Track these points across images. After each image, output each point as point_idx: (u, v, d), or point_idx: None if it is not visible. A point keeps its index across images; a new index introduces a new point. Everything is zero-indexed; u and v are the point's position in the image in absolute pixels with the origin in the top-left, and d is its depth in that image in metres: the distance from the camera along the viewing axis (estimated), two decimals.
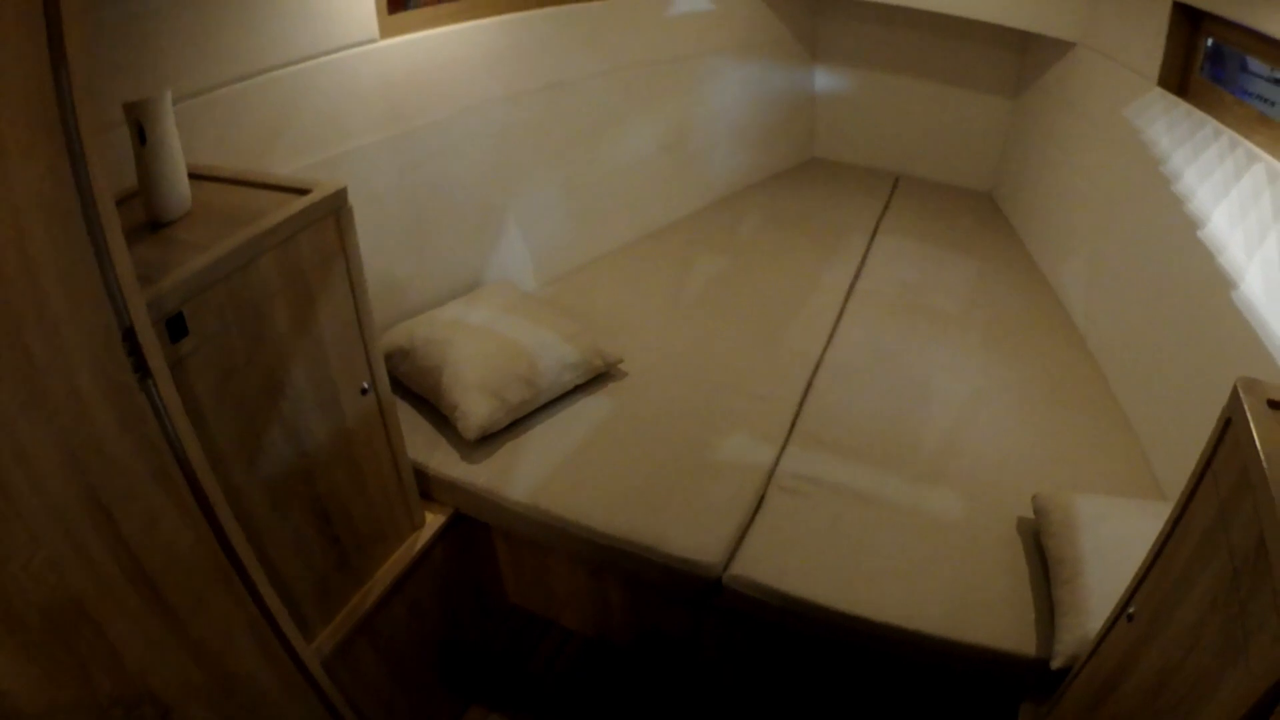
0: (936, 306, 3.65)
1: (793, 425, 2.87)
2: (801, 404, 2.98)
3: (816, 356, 3.22)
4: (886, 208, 4.58)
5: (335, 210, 1.97)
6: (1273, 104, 3.40)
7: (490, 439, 2.68)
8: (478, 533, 2.73)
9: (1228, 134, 2.70)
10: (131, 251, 1.40)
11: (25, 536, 1.26)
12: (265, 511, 1.98)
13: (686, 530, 2.41)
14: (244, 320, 1.79)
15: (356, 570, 2.36)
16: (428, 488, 2.66)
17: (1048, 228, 4.06)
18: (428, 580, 2.62)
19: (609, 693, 2.97)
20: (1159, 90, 3.13)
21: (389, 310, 3.01)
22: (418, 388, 2.82)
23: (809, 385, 3.07)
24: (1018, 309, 3.68)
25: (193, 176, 1.99)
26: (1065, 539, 2.25)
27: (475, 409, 2.59)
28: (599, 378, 2.98)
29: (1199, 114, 2.89)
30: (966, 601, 2.26)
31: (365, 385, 2.19)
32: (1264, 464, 1.25)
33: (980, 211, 4.65)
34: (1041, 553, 2.37)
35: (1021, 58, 4.48)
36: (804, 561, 2.36)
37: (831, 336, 3.36)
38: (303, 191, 1.94)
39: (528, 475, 2.58)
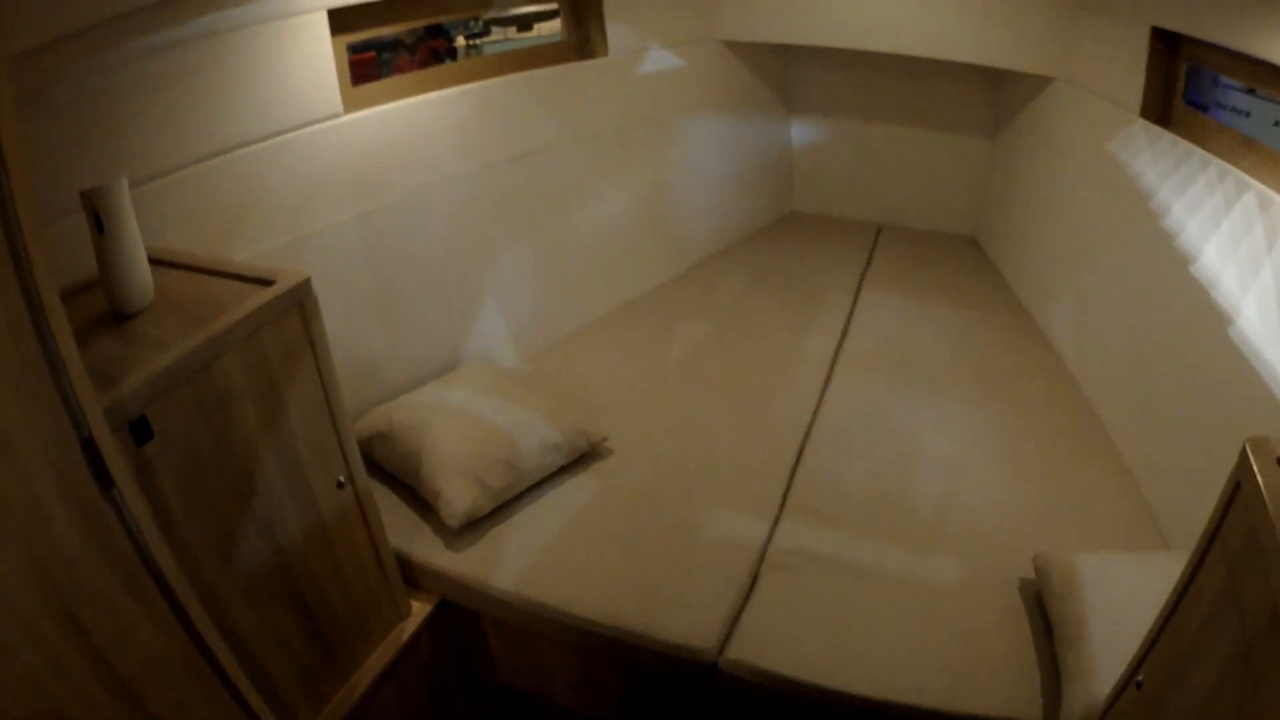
0: (925, 362, 3.65)
1: (784, 498, 2.85)
2: (792, 475, 2.95)
3: (805, 423, 3.20)
4: (870, 261, 4.60)
5: (300, 301, 1.96)
6: (1248, 114, 3.44)
7: (475, 525, 2.65)
8: (466, 617, 2.68)
9: (1216, 163, 2.69)
10: (94, 346, 1.40)
11: None
12: (244, 610, 1.95)
13: (679, 615, 2.38)
14: (210, 420, 1.77)
15: (342, 663, 2.33)
16: (412, 575, 2.63)
17: (1033, 270, 4.07)
18: (416, 668, 2.59)
19: None
20: (1141, 121, 3.13)
21: (365, 393, 3.00)
22: (398, 473, 2.80)
23: (799, 455, 3.05)
24: (1007, 357, 3.68)
25: (157, 263, 1.99)
26: (1068, 601, 2.23)
27: (458, 497, 2.56)
28: (583, 457, 2.95)
29: (1184, 144, 2.88)
30: (969, 671, 2.23)
31: (341, 478, 2.16)
32: (1277, 530, 1.22)
33: (964, 256, 4.68)
34: (1045, 616, 2.35)
35: (997, 95, 4.53)
36: (800, 641, 2.33)
37: (820, 401, 3.35)
38: (266, 282, 1.94)
39: (514, 562, 2.55)
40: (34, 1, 1.92)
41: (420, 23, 3.39)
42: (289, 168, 2.67)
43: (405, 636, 2.52)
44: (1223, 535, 1.44)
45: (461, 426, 2.74)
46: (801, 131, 5.05)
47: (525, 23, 5.32)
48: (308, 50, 2.65)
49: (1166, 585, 1.94)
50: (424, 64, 4.73)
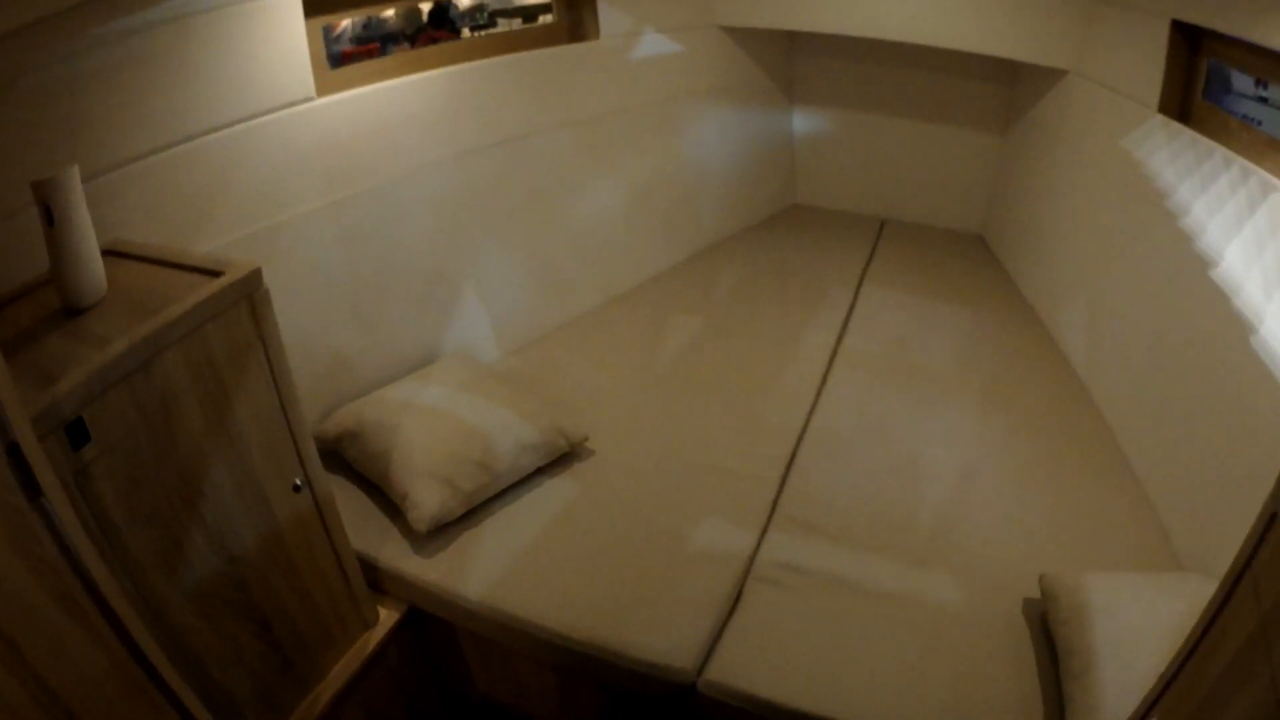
0: (927, 365, 3.60)
1: (773, 507, 2.79)
2: (783, 483, 2.90)
3: (799, 429, 3.14)
4: (872, 256, 4.56)
5: (248, 294, 1.90)
6: (1259, 123, 3.39)
7: (444, 529, 2.60)
8: (438, 626, 2.62)
9: (1239, 162, 2.63)
10: (40, 344, 1.36)
11: None
12: (195, 622, 1.91)
13: (657, 632, 2.32)
14: (152, 422, 1.73)
15: (303, 675, 2.29)
16: (380, 581, 2.58)
17: (1043, 270, 4.02)
18: (384, 680, 2.55)
19: None
20: (1160, 117, 3.07)
21: (339, 389, 2.96)
22: (367, 473, 2.75)
23: (791, 461, 2.99)
24: (1015, 363, 3.62)
25: (115, 255, 1.96)
26: (1076, 627, 2.16)
27: (426, 499, 2.51)
28: (563, 458, 2.91)
29: (1205, 142, 2.82)
30: (967, 700, 2.17)
31: (298, 482, 2.12)
32: None
33: (971, 255, 4.64)
34: (1050, 640, 2.28)
35: (1010, 90, 4.49)
36: (786, 662, 2.27)
37: (815, 405, 3.29)
38: (216, 274, 1.89)
39: (485, 570, 2.50)
40: None
41: (396, 5, 3.33)
42: (259, 154, 2.62)
43: (371, 646, 2.47)
44: (1253, 573, 1.36)
45: (433, 425, 2.70)
46: (804, 122, 5.01)
47: (530, 14, 5.30)
48: (280, 33, 2.60)
49: (1181, 611, 1.89)
50: None
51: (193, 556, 1.88)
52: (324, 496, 2.23)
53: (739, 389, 3.36)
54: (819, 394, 3.36)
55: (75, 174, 1.77)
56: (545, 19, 3.84)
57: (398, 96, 3.03)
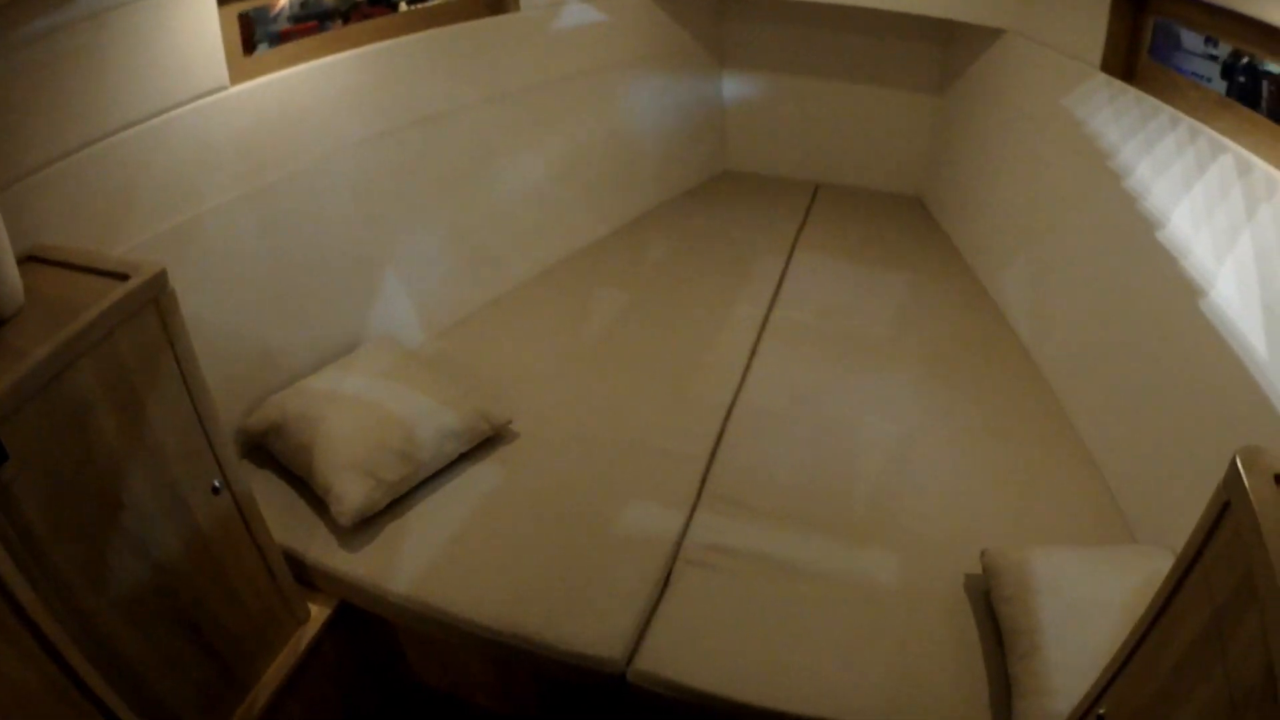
0: (863, 333, 3.66)
1: (701, 486, 2.84)
2: (711, 460, 2.95)
3: (727, 403, 3.20)
4: (805, 221, 4.62)
5: (154, 298, 1.93)
6: (1209, 81, 3.47)
7: (370, 521, 2.65)
8: (372, 618, 2.67)
9: (1187, 122, 2.68)
10: None
11: None
12: (127, 632, 1.96)
13: (585, 621, 2.37)
14: (67, 434, 1.77)
15: (240, 676, 2.35)
16: (310, 577, 2.64)
17: (983, 233, 4.09)
18: (322, 674, 2.62)
19: None
20: (1103, 76, 3.12)
21: (263, 382, 2.98)
22: (293, 467, 2.80)
23: (719, 438, 3.05)
24: (955, 328, 3.68)
25: (35, 261, 1.99)
26: (1020, 605, 2.17)
27: (349, 491, 2.57)
28: (487, 442, 2.96)
29: (1151, 100, 2.87)
30: (909, 684, 2.21)
31: (216, 484, 2.16)
32: (1278, 572, 1.08)
33: (909, 218, 4.72)
34: (993, 617, 2.33)
35: (946, 50, 4.55)
36: (718, 649, 2.30)
37: (744, 379, 3.35)
38: (124, 277, 1.91)
39: (411, 562, 2.56)
40: None
41: None
42: (175, 147, 2.63)
43: (305, 643, 2.53)
44: (1205, 563, 1.34)
45: (355, 416, 2.75)
46: (735, 87, 5.04)
47: None
48: (192, 22, 2.61)
49: (1133, 586, 1.88)
50: None
51: (118, 567, 1.92)
52: (244, 497, 2.28)
53: (667, 364, 3.42)
54: (748, 367, 3.42)
55: None
56: None
57: (313, 80, 3.05)
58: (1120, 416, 2.84)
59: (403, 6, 4.60)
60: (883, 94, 4.80)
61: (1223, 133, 2.55)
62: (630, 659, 2.32)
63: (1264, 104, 3.81)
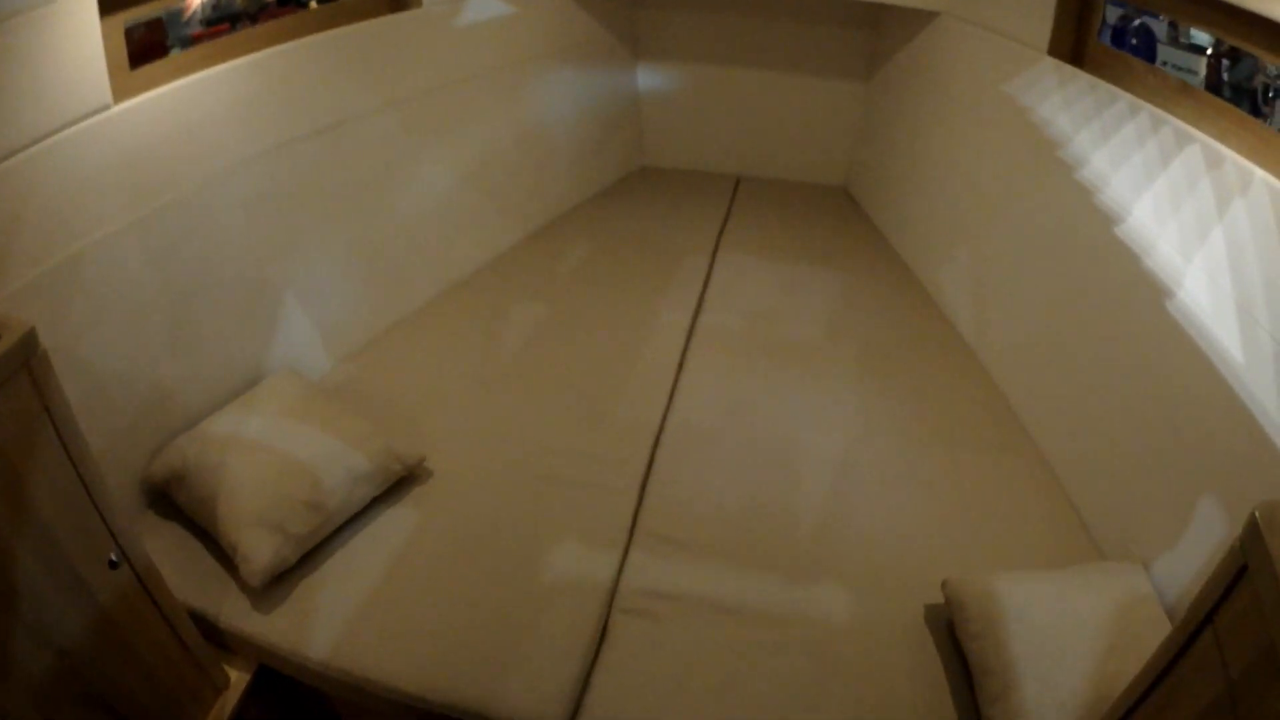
0: (795, 338, 3.63)
1: (633, 524, 2.79)
2: (642, 493, 2.89)
3: (655, 426, 3.15)
4: (728, 218, 4.62)
5: (25, 361, 1.79)
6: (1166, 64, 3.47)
7: (282, 578, 2.56)
8: (294, 682, 2.56)
9: (1147, 109, 2.66)
10: None
11: None
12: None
13: (519, 682, 2.29)
14: None
15: None
16: (225, 640, 2.53)
17: (918, 225, 4.10)
18: None
19: None
20: (1051, 61, 3.10)
21: (163, 424, 2.86)
22: (198, 519, 2.69)
23: (649, 466, 2.99)
24: (893, 328, 3.67)
25: None
26: (991, 642, 2.13)
27: (256, 550, 2.47)
28: (401, 483, 2.88)
29: (1106, 87, 2.85)
30: None
31: (113, 557, 2.06)
32: None
33: (836, 209, 4.74)
34: (959, 651, 2.29)
35: (872, 34, 4.56)
36: (664, 704, 2.25)
37: (672, 396, 3.31)
38: None
39: (329, 623, 2.47)
40: None
41: None
42: (54, 177, 2.49)
43: (227, 711, 2.45)
44: (1217, 629, 1.25)
45: (258, 464, 2.65)
46: (650, 79, 5.02)
47: None
48: (73, 38, 2.47)
49: (1107, 611, 1.85)
50: None
51: (20, 655, 1.83)
52: (145, 567, 2.18)
53: (589, 382, 3.37)
54: (676, 381, 3.38)
55: None
56: None
57: (202, 92, 2.92)
58: (1079, 422, 2.83)
59: (314, 6, 4.48)
60: (805, 82, 4.82)
61: (1185, 120, 2.54)
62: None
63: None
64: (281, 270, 3.30)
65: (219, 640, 2.53)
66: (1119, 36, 4.79)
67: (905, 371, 3.41)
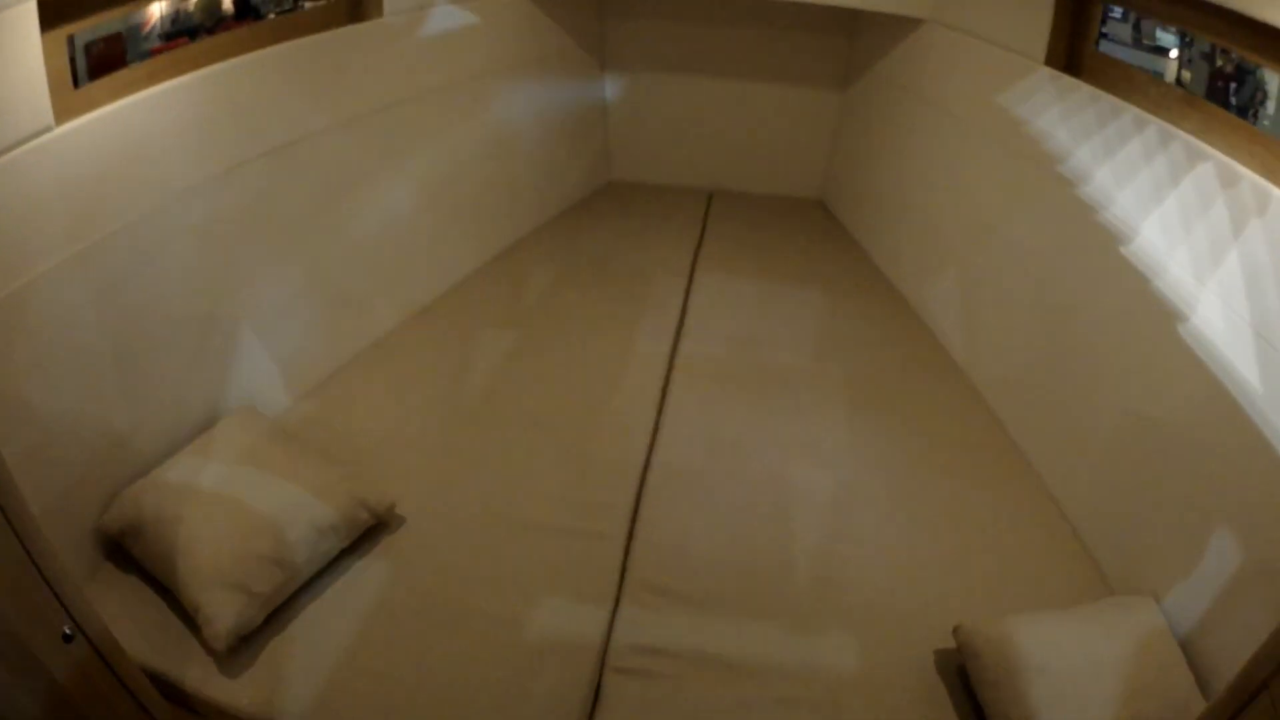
0: (781, 363, 3.59)
1: (622, 574, 2.70)
2: (630, 539, 2.81)
3: (640, 465, 3.08)
4: (703, 235, 4.58)
5: None
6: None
7: (248, 639, 2.45)
8: None
9: (1156, 124, 2.62)
10: None
11: None
12: None
13: None
14: None
15: None
16: (192, 704, 2.40)
17: (902, 241, 4.07)
18: None
19: None
20: (1047, 70, 3.06)
21: (116, 472, 2.74)
22: (156, 575, 2.58)
23: (635, 510, 2.92)
24: (881, 350, 3.63)
25: None
26: (1009, 692, 2.09)
27: (219, 613, 2.37)
28: (370, 531, 2.78)
29: (1109, 99, 2.81)
30: None
31: (67, 630, 1.97)
32: None
33: (813, 224, 4.73)
34: (974, 699, 2.24)
35: (850, 42, 4.55)
36: None
37: (655, 432, 3.24)
38: None
39: (301, 689, 2.36)
40: None
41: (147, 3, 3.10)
42: None
43: None
44: (1274, 696, 1.24)
45: (217, 518, 2.54)
46: (618, 90, 4.99)
47: None
48: (11, 53, 2.34)
49: (1127, 652, 1.83)
50: None
51: None
52: (101, 638, 2.08)
53: (564, 419, 3.29)
54: (659, 419, 3.31)
55: None
56: None
57: (148, 111, 2.80)
58: (1081, 450, 2.80)
59: (271, 17, 4.36)
60: (779, 91, 4.82)
61: (1193, 134, 2.50)
62: None
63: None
64: (235, 302, 3.19)
65: (185, 703, 2.42)
66: None
67: (895, 397, 3.37)
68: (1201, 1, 2.43)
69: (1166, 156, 2.57)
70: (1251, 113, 2.99)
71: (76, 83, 2.64)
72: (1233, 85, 3.06)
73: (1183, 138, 2.53)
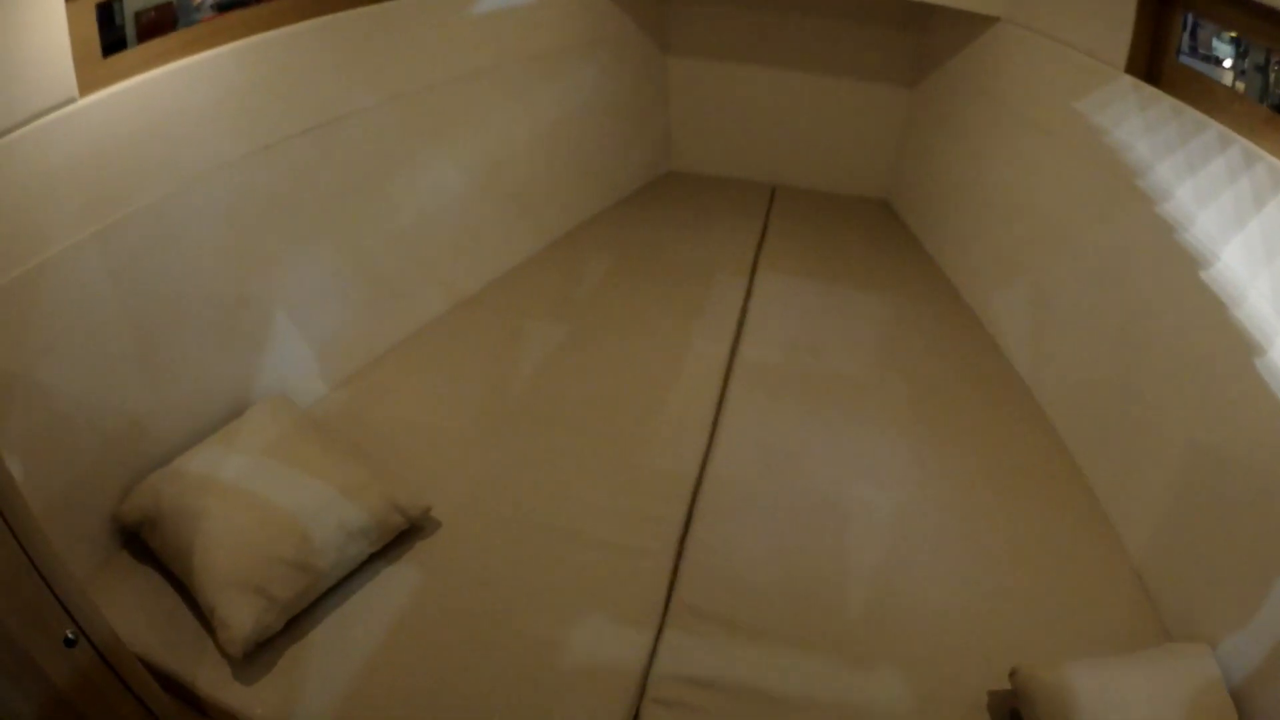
0: (842, 372, 3.52)
1: (669, 595, 2.62)
2: (678, 558, 2.73)
3: (693, 477, 3.01)
4: (765, 232, 4.53)
5: None
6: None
7: (267, 644, 2.41)
8: None
9: (1240, 143, 2.54)
10: None
11: None
12: None
13: None
14: None
15: None
16: (204, 708, 2.37)
17: (969, 247, 4.00)
18: None
19: None
20: (1128, 79, 2.99)
21: (135, 459, 2.73)
22: (173, 570, 2.55)
23: (686, 526, 2.84)
24: (945, 362, 3.57)
25: None
26: None
27: (235, 618, 2.32)
28: (403, 534, 2.73)
29: (1192, 112, 2.73)
30: None
31: (69, 634, 1.94)
32: None
33: (878, 225, 4.67)
34: None
35: (921, 38, 4.48)
36: None
37: (711, 441, 3.16)
38: None
39: (316, 700, 2.31)
40: None
41: None
42: (10, 180, 2.33)
43: None
44: None
45: (239, 515, 2.50)
46: (681, 77, 4.95)
47: None
48: (34, 22, 2.31)
49: (1182, 701, 1.78)
50: None
51: None
52: (106, 641, 2.05)
53: (615, 423, 3.24)
54: (715, 425, 3.24)
55: None
56: None
57: (179, 84, 2.77)
58: (1146, 481, 2.72)
59: None
60: (846, 85, 4.76)
61: (1278, 156, 2.43)
62: None
63: None
64: (268, 285, 3.16)
65: (196, 704, 2.39)
66: None
67: (957, 413, 3.30)
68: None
69: (1250, 179, 2.49)
70: None
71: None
72: None
73: (1267, 159, 2.46)
